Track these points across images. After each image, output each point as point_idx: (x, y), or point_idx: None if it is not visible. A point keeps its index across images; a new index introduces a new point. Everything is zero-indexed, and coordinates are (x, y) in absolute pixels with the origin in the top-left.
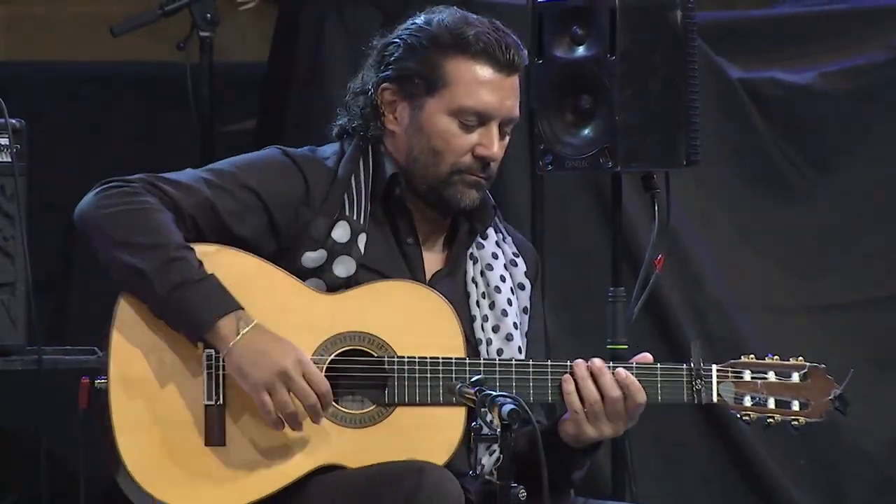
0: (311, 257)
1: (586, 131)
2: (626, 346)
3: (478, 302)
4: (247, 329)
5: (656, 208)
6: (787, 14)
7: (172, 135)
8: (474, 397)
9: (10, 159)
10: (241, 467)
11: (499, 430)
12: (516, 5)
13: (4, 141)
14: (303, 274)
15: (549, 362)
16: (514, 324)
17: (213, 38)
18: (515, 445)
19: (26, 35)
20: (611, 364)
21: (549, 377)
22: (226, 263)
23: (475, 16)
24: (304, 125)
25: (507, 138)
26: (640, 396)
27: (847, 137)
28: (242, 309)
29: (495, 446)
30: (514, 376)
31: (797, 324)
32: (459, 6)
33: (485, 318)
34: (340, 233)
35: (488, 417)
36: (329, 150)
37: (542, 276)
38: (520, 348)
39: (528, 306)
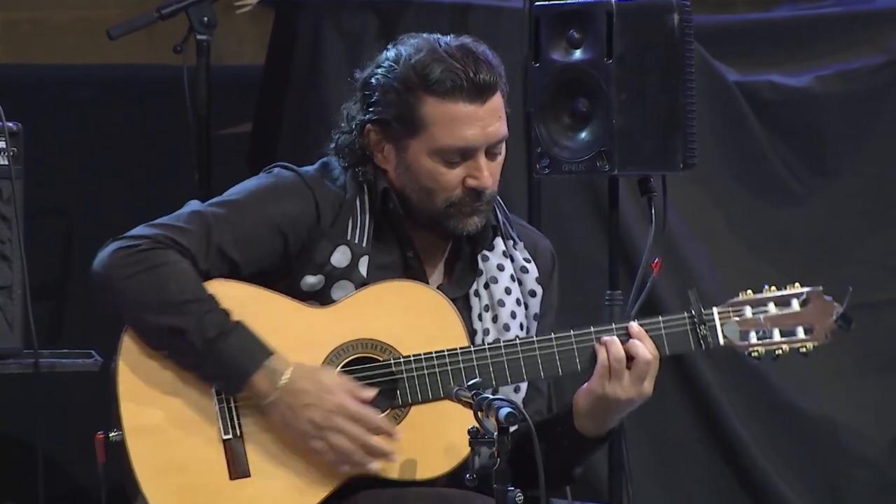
0: (310, 282)
1: (583, 134)
2: None
3: (480, 315)
4: (283, 381)
5: (653, 212)
6: (784, 18)
7: (169, 138)
8: (471, 401)
9: (6, 162)
10: (270, 495)
11: (496, 433)
12: (513, 9)
13: (1, 144)
14: (301, 296)
15: (553, 335)
16: (517, 337)
17: (210, 42)
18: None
19: (24, 38)
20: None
21: (557, 353)
22: (220, 295)
23: (445, 40)
24: (301, 128)
25: (501, 155)
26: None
27: (844, 141)
28: (273, 353)
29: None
30: (520, 355)
31: None
32: (457, 11)
33: (486, 332)
34: (339, 258)
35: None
36: (337, 170)
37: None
38: None
39: (539, 312)
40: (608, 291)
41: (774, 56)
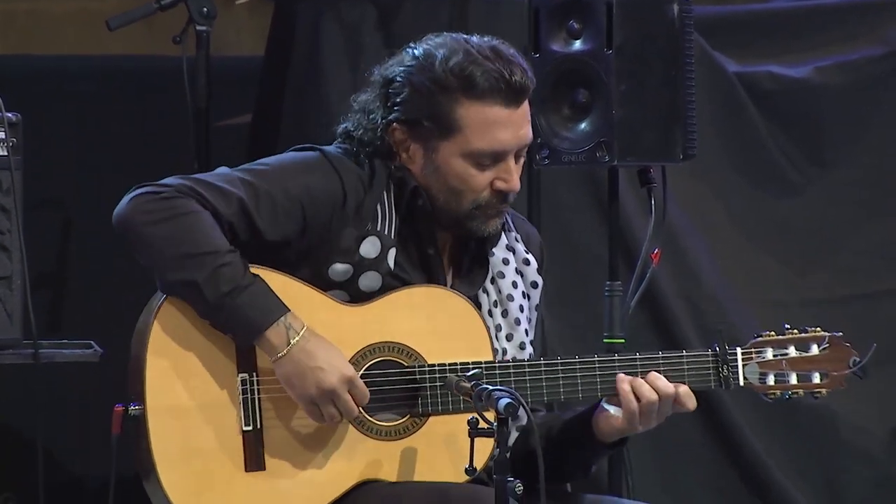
0: (339, 270)
1: (583, 125)
2: (623, 341)
3: (490, 311)
4: (297, 339)
5: (653, 202)
6: (784, 8)
7: (168, 129)
8: (471, 391)
9: (6, 153)
10: (283, 491)
11: (496, 424)
12: (513, 0)
13: (1, 135)
14: (328, 283)
15: (578, 358)
16: (526, 331)
17: (209, 33)
18: (528, 439)
19: (23, 29)
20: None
21: (579, 375)
22: None
23: (475, 41)
24: (301, 119)
25: (524, 158)
26: (692, 403)
27: (843, 131)
28: (289, 311)
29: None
30: (543, 377)
31: (792, 317)
32: (456, 2)
33: (498, 328)
34: (369, 248)
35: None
36: (360, 157)
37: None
38: (531, 356)
39: (538, 303)
40: (608, 282)
41: (774, 47)
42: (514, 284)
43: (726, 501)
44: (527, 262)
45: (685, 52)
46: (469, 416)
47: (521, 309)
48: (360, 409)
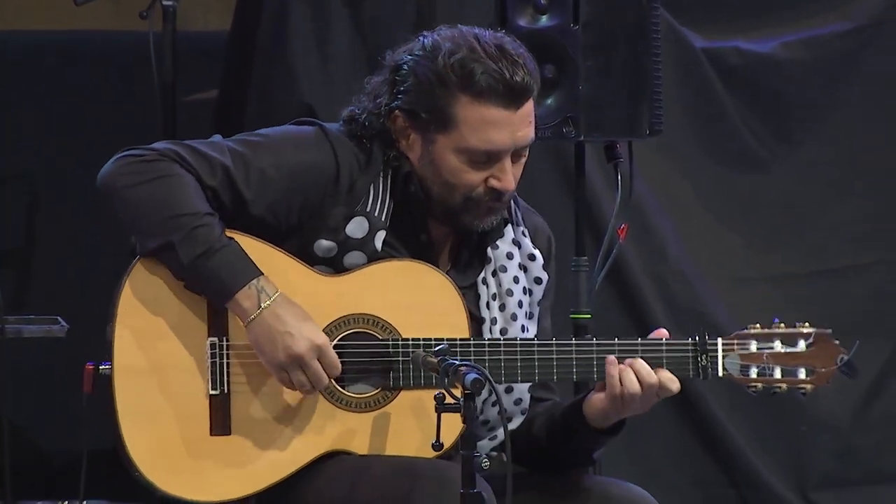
0: (324, 246)
1: (549, 101)
2: (589, 316)
3: (488, 304)
4: (268, 302)
5: (619, 178)
6: None
7: (135, 104)
8: (437, 367)
9: None
10: (248, 456)
11: (462, 398)
12: None
13: None
14: (312, 259)
15: (554, 341)
16: (523, 326)
17: (175, 7)
18: (531, 429)
19: None
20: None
21: (555, 356)
22: None
23: (485, 37)
24: (266, 93)
25: (525, 157)
26: (675, 387)
27: (809, 107)
28: (262, 275)
29: (497, 434)
30: (518, 357)
31: (759, 293)
32: None
33: (493, 321)
34: (355, 228)
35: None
36: (363, 137)
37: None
38: None
39: (542, 298)
40: (574, 258)
41: (740, 22)
42: (516, 280)
43: (691, 473)
44: (532, 258)
45: (652, 28)
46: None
47: (520, 305)
48: (331, 380)
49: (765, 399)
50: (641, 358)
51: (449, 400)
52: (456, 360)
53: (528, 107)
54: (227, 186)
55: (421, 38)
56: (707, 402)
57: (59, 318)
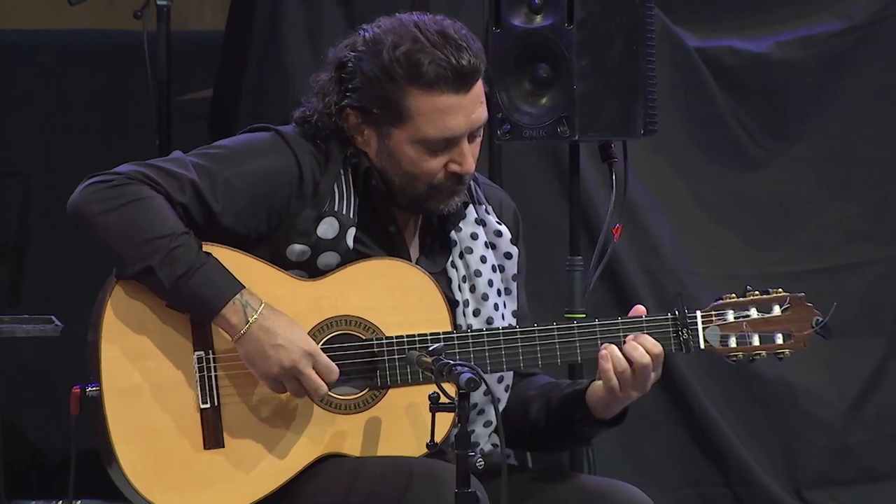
0: (296, 250)
1: (544, 100)
2: (584, 315)
3: (459, 286)
4: (255, 316)
5: (614, 177)
6: None
7: (130, 103)
8: (432, 366)
9: None
10: (242, 467)
11: (456, 398)
12: None
13: None
14: (286, 264)
15: (537, 326)
16: (496, 305)
17: (170, 7)
18: (527, 412)
19: None
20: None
21: (539, 343)
22: None
23: (425, 23)
24: (261, 93)
25: (480, 137)
26: (658, 349)
27: (803, 106)
28: (245, 288)
29: (488, 417)
30: (502, 346)
31: None
32: None
33: (465, 304)
34: (326, 229)
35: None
36: (316, 137)
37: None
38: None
39: (517, 272)
40: (569, 257)
41: (735, 21)
42: (483, 259)
43: (685, 471)
44: (498, 234)
45: (646, 27)
46: (428, 387)
47: (491, 283)
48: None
49: (759, 397)
50: (623, 336)
51: (444, 399)
52: (451, 359)
53: (478, 87)
54: (196, 201)
55: (361, 33)
56: (701, 401)
57: (53, 317)
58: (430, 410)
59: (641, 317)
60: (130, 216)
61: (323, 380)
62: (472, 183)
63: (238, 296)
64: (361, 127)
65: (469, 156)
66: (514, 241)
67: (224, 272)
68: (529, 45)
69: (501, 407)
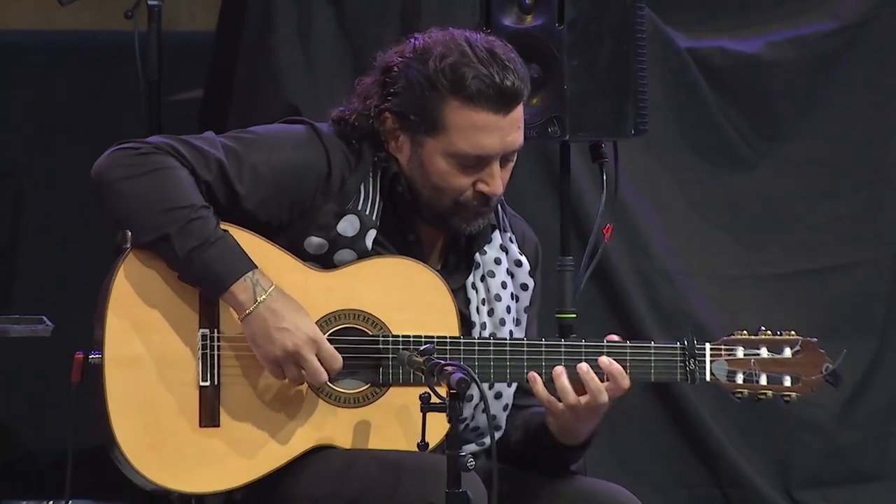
0: (314, 243)
1: (534, 100)
2: (574, 315)
3: (477, 308)
4: (264, 296)
5: (604, 178)
6: None
7: (120, 104)
8: (423, 366)
9: None
10: (236, 448)
11: (447, 398)
12: None
13: None
14: (303, 256)
15: (544, 341)
16: (511, 332)
17: (161, 7)
18: (509, 441)
19: None
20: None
21: (544, 357)
22: None
23: (476, 40)
24: (251, 94)
25: (513, 162)
26: (625, 383)
27: (794, 107)
28: (257, 268)
29: (486, 440)
30: (508, 356)
31: (744, 292)
32: None
33: (483, 326)
34: (346, 226)
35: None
36: (350, 136)
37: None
38: None
39: (529, 305)
40: (560, 257)
41: (725, 22)
42: (504, 285)
43: (676, 474)
44: (518, 264)
45: (636, 28)
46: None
47: (508, 310)
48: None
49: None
50: (630, 360)
51: (434, 399)
52: (442, 359)
53: (518, 111)
54: (220, 181)
55: (412, 41)
56: (692, 403)
57: (44, 317)
58: (421, 410)
59: (651, 343)
60: (153, 184)
61: (325, 368)
62: (500, 209)
63: (249, 274)
64: (397, 133)
65: (498, 178)
66: (531, 274)
67: (238, 250)
68: (520, 46)
69: (500, 425)
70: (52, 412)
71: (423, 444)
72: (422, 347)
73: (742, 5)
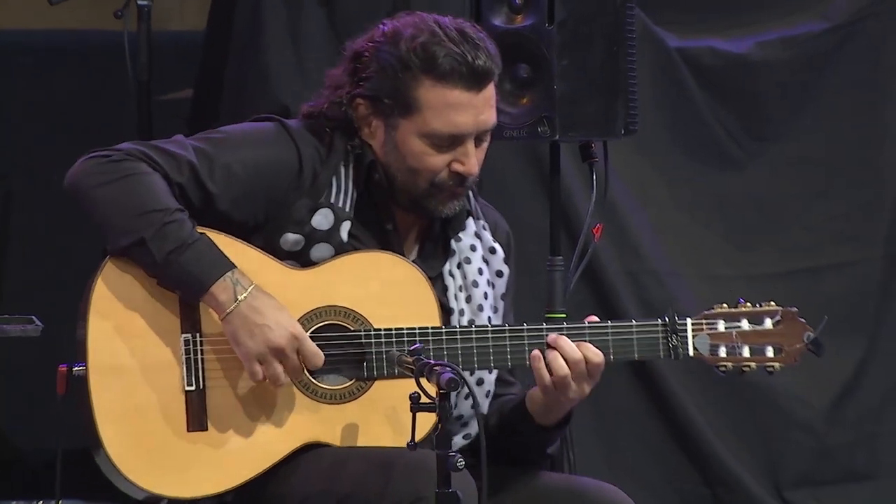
0: (290, 240)
1: (524, 100)
2: (564, 315)
3: (455, 295)
4: (244, 295)
5: (594, 178)
6: None
7: (110, 103)
8: (413, 366)
9: None
10: (225, 451)
11: (437, 398)
12: None
13: None
14: (279, 254)
15: (525, 326)
16: (489, 318)
17: (150, 7)
18: (486, 426)
19: None
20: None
21: (526, 342)
22: None
23: (445, 22)
24: (241, 93)
25: (487, 142)
26: (598, 358)
27: (784, 107)
28: (236, 268)
29: (469, 430)
30: (490, 343)
31: (735, 293)
32: None
33: (461, 313)
34: (321, 220)
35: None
36: (320, 129)
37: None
38: None
39: (505, 292)
40: (549, 257)
41: (715, 22)
42: (480, 272)
43: (666, 473)
44: (493, 251)
45: (626, 28)
46: (413, 381)
47: (486, 296)
48: (306, 371)
49: (740, 397)
50: (612, 340)
51: (424, 399)
52: (431, 359)
53: (490, 90)
54: (193, 183)
55: (381, 26)
56: (682, 402)
57: (34, 317)
58: (411, 410)
59: (632, 321)
60: (127, 189)
61: (307, 365)
62: (472, 197)
63: (229, 273)
64: (370, 118)
65: (473, 157)
66: (506, 262)
67: (216, 250)
68: (510, 46)
69: (484, 412)
70: (43, 412)
71: (412, 445)
72: (411, 347)
73: (732, 5)
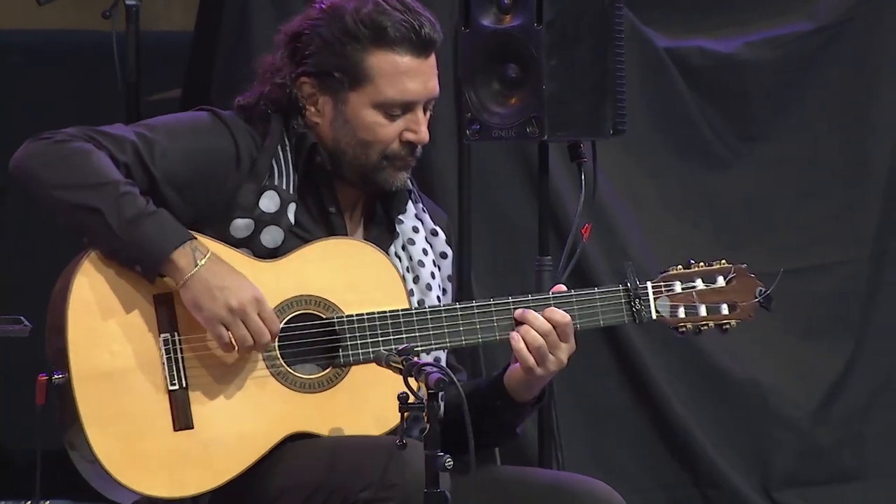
0: (240, 225)
1: (513, 100)
2: None
3: (403, 277)
4: (203, 260)
5: (583, 177)
6: None
7: (98, 103)
8: (401, 366)
9: None
10: (213, 448)
11: (425, 398)
12: None
13: None
14: (231, 242)
15: (493, 301)
16: (438, 297)
17: (138, 7)
18: (449, 411)
19: None
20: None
21: (495, 317)
22: None
23: None
24: (230, 92)
25: (430, 112)
26: (565, 318)
27: (772, 107)
28: (195, 238)
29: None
30: (460, 321)
31: None
32: None
33: (410, 293)
34: (268, 203)
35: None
36: (256, 115)
37: (460, 244)
38: None
39: (451, 274)
40: (538, 257)
41: (703, 22)
42: (425, 252)
43: (654, 473)
44: (434, 233)
45: (615, 28)
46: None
47: (433, 276)
48: (283, 362)
49: (728, 398)
50: (577, 309)
51: (412, 399)
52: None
53: (433, 59)
54: (137, 163)
55: (316, 5)
56: (671, 403)
57: (22, 317)
58: (400, 410)
59: (595, 289)
60: (76, 164)
61: (269, 328)
62: (408, 195)
63: (189, 242)
64: (316, 96)
65: (424, 125)
66: (447, 243)
67: (174, 222)
68: (498, 45)
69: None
70: (30, 412)
71: (400, 445)
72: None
73: (720, 6)
